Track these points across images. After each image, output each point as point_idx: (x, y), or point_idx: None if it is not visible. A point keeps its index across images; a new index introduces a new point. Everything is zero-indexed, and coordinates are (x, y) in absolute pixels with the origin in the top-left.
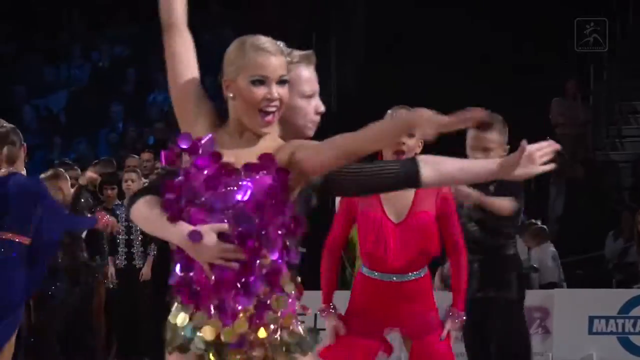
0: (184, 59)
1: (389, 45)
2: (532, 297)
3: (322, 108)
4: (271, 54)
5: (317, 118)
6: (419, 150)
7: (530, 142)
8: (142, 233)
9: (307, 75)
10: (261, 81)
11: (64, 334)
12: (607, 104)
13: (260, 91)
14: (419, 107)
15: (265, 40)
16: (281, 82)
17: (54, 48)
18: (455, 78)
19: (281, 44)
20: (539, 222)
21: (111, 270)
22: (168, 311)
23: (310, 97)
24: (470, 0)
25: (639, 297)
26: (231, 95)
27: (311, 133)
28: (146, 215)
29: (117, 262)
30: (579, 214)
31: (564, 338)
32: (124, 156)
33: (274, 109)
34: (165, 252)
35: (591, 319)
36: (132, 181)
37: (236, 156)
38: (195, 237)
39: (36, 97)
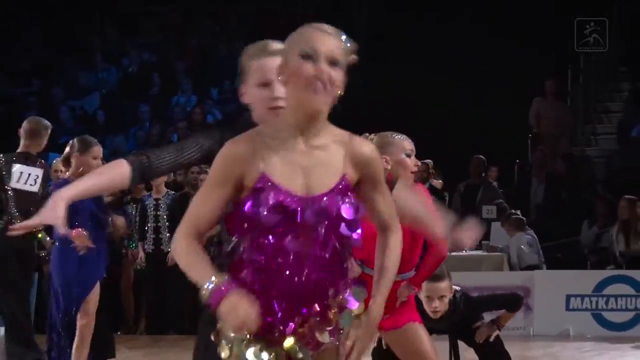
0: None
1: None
2: (515, 278)
3: (276, 94)
4: (327, 34)
5: (274, 104)
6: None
7: (512, 139)
8: (169, 221)
9: (257, 65)
10: (310, 56)
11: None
12: (584, 105)
13: (309, 65)
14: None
15: (325, 25)
16: (333, 62)
17: (88, 55)
18: (444, 80)
19: (344, 35)
20: (518, 213)
21: (141, 254)
22: (190, 291)
23: (265, 85)
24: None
25: (611, 278)
26: (281, 78)
27: (273, 117)
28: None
29: (146, 247)
30: (558, 203)
31: (544, 314)
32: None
33: (321, 85)
34: None
35: (568, 297)
36: None
37: (305, 157)
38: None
39: (72, 99)
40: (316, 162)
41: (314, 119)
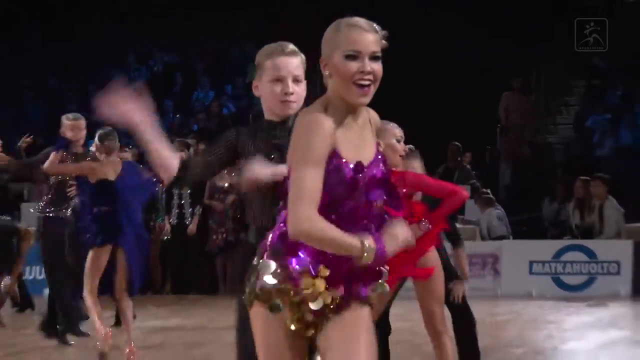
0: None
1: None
2: (485, 247)
3: (288, 90)
4: (364, 31)
5: (286, 98)
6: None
7: (483, 128)
8: (191, 198)
9: (271, 63)
10: (354, 56)
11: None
12: (546, 99)
13: (354, 65)
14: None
15: (359, 19)
16: (374, 57)
17: (121, 56)
18: (425, 76)
19: (375, 24)
20: (489, 192)
21: (167, 226)
22: (208, 257)
23: (278, 81)
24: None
25: (567, 247)
26: (327, 73)
27: (284, 110)
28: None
29: (171, 220)
30: (523, 183)
31: (510, 278)
32: (172, 139)
33: (367, 82)
34: (206, 214)
35: (531, 263)
36: None
37: (357, 140)
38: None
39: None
40: (362, 137)
41: (358, 107)
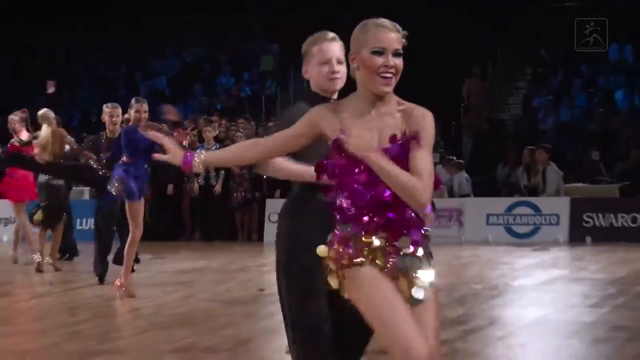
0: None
1: None
2: (452, 203)
3: (334, 69)
4: (389, 30)
5: (333, 76)
6: None
7: (450, 107)
8: None
9: (317, 49)
10: (380, 52)
11: None
12: (499, 84)
13: (379, 59)
14: None
15: (384, 20)
16: (396, 54)
17: (160, 47)
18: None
19: (397, 25)
20: (454, 158)
21: (195, 186)
22: (229, 211)
23: (325, 63)
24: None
25: (517, 202)
26: (356, 65)
27: (333, 86)
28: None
29: (199, 181)
30: (482, 152)
31: (471, 227)
32: (199, 116)
33: (390, 75)
34: (227, 177)
35: (488, 215)
36: (208, 132)
37: (377, 121)
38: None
39: (147, 80)
40: (383, 123)
41: (382, 96)
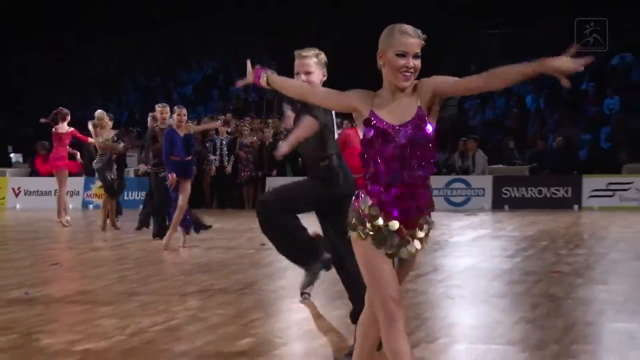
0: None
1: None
2: None
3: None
4: (411, 36)
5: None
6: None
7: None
8: (227, 150)
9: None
10: (403, 55)
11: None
12: (464, 65)
13: (401, 61)
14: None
15: (408, 27)
16: (416, 56)
17: (186, 61)
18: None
19: (419, 30)
20: None
21: (213, 168)
22: (238, 186)
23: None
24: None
25: (453, 179)
26: (382, 63)
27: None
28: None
29: (215, 163)
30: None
31: None
32: (215, 116)
33: (409, 74)
34: (236, 160)
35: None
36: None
37: (397, 108)
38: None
39: (177, 87)
40: (403, 104)
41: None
